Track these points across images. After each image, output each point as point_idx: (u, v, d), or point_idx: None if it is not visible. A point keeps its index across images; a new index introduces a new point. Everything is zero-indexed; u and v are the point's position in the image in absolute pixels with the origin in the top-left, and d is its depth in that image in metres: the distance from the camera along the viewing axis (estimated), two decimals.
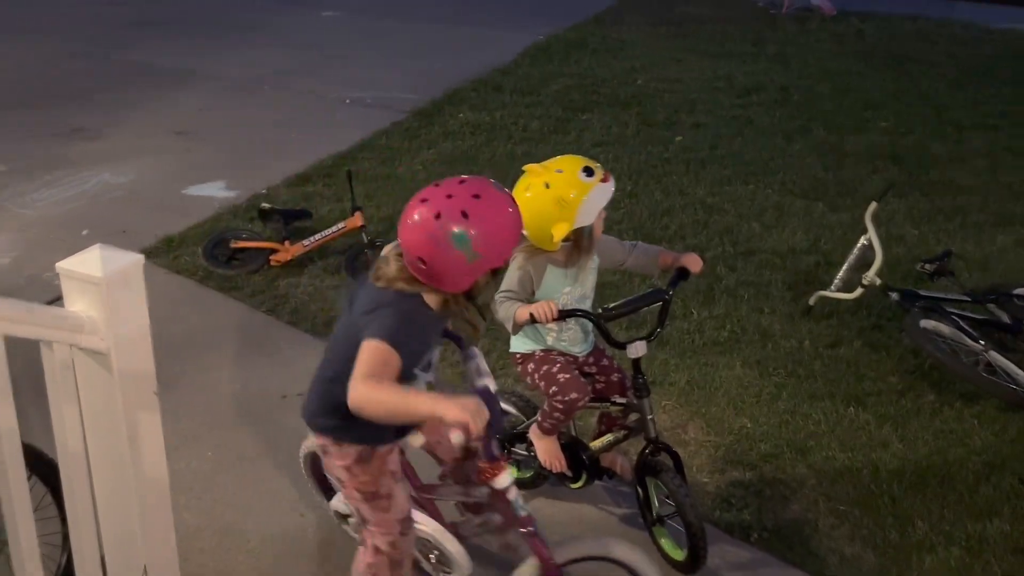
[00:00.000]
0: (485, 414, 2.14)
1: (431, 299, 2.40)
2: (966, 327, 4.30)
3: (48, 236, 5.59)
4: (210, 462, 3.74)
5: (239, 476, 3.66)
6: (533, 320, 2.94)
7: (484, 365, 2.51)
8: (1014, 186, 6.51)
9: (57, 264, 2.26)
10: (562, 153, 3.00)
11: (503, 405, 3.32)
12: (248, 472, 3.67)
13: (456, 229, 2.25)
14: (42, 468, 2.69)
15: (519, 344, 3.24)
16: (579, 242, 2.98)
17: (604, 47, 10.01)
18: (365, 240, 5.33)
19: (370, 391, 2.20)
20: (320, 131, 7.44)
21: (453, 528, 2.86)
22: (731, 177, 6.65)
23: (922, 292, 4.59)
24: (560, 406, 3.09)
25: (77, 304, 2.25)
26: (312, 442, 3.02)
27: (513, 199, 2.36)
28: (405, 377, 2.32)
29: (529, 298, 3.09)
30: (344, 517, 3.14)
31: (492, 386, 2.45)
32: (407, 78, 8.82)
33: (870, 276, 4.60)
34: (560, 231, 2.91)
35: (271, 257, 5.30)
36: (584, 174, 2.90)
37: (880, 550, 3.36)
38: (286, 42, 9.96)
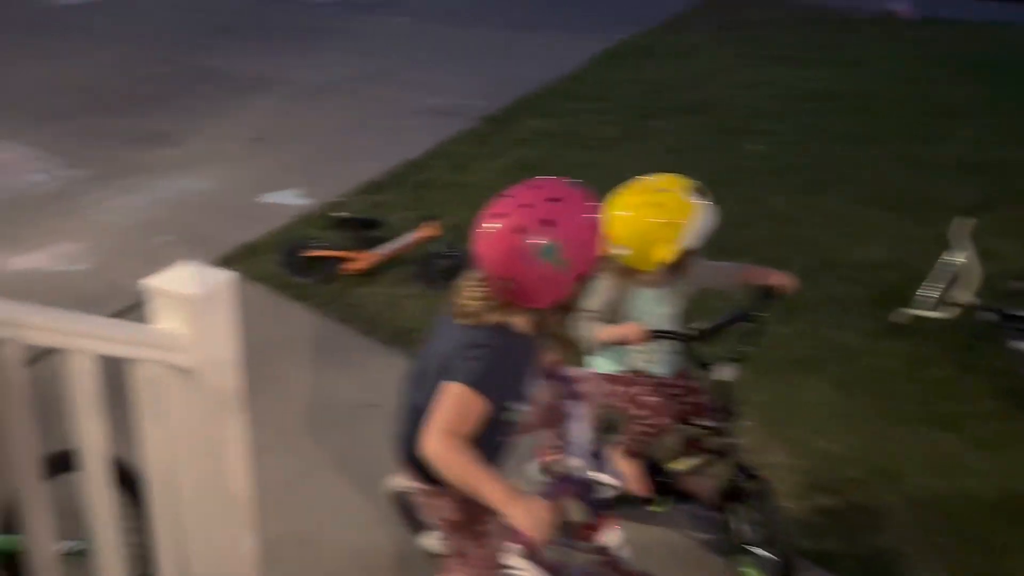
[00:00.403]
0: (554, 522, 2.00)
1: (522, 322, 2.26)
2: None
3: (127, 243, 5.66)
4: (287, 472, 3.73)
5: (317, 487, 3.64)
6: (621, 343, 2.88)
7: (582, 431, 2.41)
8: None
9: (146, 281, 2.25)
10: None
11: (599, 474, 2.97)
12: (326, 484, 3.65)
13: (541, 240, 2.11)
14: (122, 477, 2.69)
15: (604, 364, 3.16)
16: (681, 265, 2.88)
17: (674, 52, 9.89)
18: (441, 249, 5.30)
19: (445, 453, 2.12)
20: (392, 137, 7.45)
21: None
22: (808, 186, 6.49)
23: (1021, 313, 4.41)
24: (647, 429, 3.01)
25: (166, 321, 2.24)
26: (403, 481, 2.93)
27: (591, 196, 2.21)
28: (497, 414, 2.22)
29: (614, 319, 3.02)
30: (434, 557, 3.07)
31: (583, 464, 2.35)
32: (478, 84, 8.81)
33: (966, 295, 4.44)
34: (666, 253, 2.81)
35: (345, 265, 5.30)
36: (696, 194, 2.82)
37: None
38: (359, 48, 10.02)
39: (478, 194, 6.16)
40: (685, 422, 3.16)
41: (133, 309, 4.96)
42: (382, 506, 3.43)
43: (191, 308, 2.18)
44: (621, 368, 3.15)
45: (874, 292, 5.11)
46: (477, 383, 2.14)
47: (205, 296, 2.19)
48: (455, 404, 2.14)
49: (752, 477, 3.07)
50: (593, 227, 2.20)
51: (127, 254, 5.49)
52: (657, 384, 3.14)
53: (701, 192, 2.83)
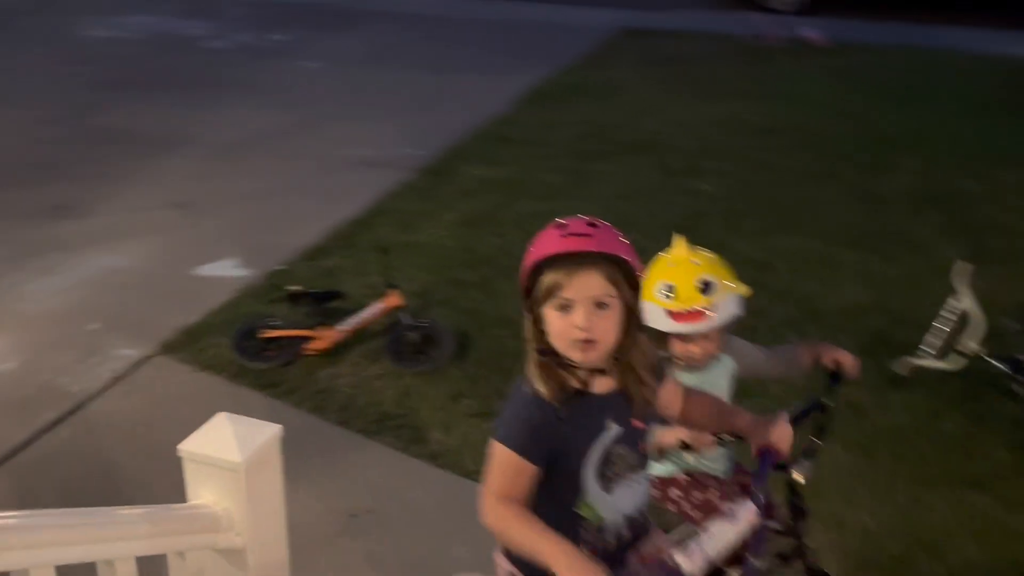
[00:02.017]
0: None
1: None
2: None
3: (53, 334, 5.08)
4: None
5: None
6: (685, 447, 2.58)
7: (721, 537, 2.11)
8: None
9: (180, 446, 1.83)
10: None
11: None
12: None
13: None
14: None
15: (655, 466, 2.85)
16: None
17: (603, 91, 9.70)
18: (408, 321, 4.91)
19: (499, 523, 1.96)
20: (326, 195, 7.00)
21: None
22: (768, 228, 6.34)
23: None
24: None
25: (205, 494, 1.82)
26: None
27: (567, 223, 1.98)
28: (573, 483, 2.00)
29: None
30: None
31: (689, 565, 2.06)
32: (405, 132, 8.41)
33: (971, 345, 4.29)
34: None
35: (306, 346, 4.86)
36: (663, 289, 2.62)
37: None
38: (271, 99, 9.49)
39: (433, 255, 5.93)
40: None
41: (73, 415, 4.43)
42: None
43: (239, 478, 1.77)
44: (676, 469, 2.85)
45: (863, 340, 4.93)
46: (507, 438, 1.97)
47: (255, 461, 1.79)
48: (496, 463, 1.99)
49: None
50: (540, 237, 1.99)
51: (56, 347, 4.92)
52: (717, 484, 2.85)
53: (670, 292, 2.63)
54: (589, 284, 1.90)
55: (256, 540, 1.84)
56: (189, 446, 1.81)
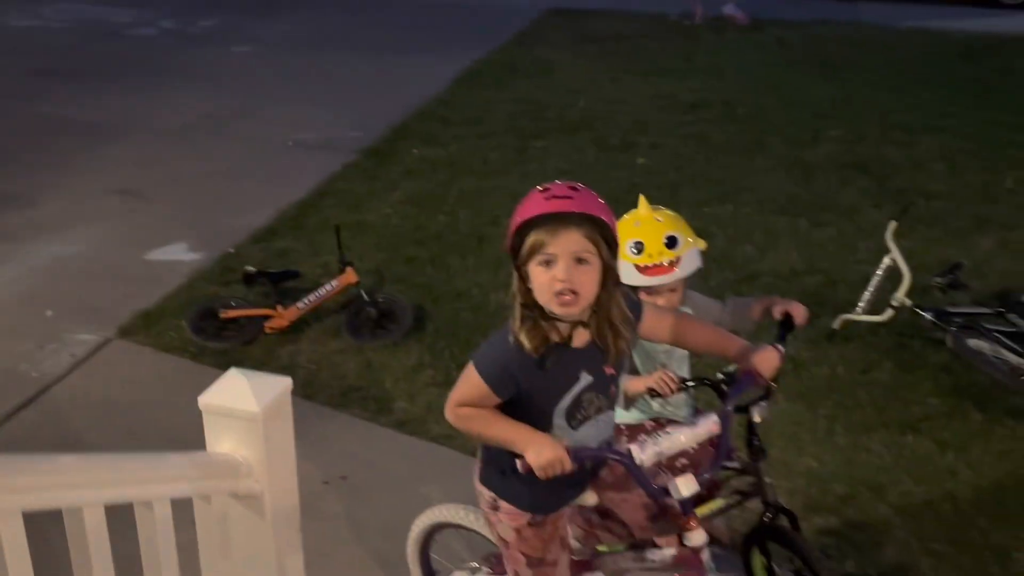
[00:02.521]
0: (561, 468, 2.07)
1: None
2: (1008, 342, 4.31)
3: (10, 322, 5.08)
4: None
5: None
6: (652, 394, 2.78)
7: (673, 444, 2.31)
8: (979, 187, 6.65)
9: (200, 399, 1.95)
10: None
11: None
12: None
13: None
14: None
15: (623, 414, 3.04)
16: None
17: (536, 70, 9.88)
18: (365, 297, 5.03)
19: (461, 422, 2.22)
20: (272, 178, 7.06)
21: None
22: (707, 199, 6.59)
23: (951, 309, 4.59)
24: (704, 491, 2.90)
25: (224, 443, 1.95)
26: (434, 515, 2.90)
27: (549, 187, 2.11)
28: (541, 420, 2.19)
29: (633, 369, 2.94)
30: None
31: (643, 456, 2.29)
32: (345, 115, 8.48)
33: (899, 297, 4.58)
34: None
35: (266, 324, 4.95)
36: (632, 246, 2.82)
37: None
38: (207, 85, 9.46)
39: (381, 234, 6.05)
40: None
41: (37, 399, 4.46)
42: None
43: (258, 427, 1.91)
44: (643, 416, 3.04)
45: (801, 299, 5.16)
46: (476, 362, 2.18)
47: (270, 411, 1.93)
48: (463, 379, 2.20)
49: (783, 512, 3.02)
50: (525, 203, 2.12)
51: (13, 335, 4.93)
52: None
53: (640, 249, 2.83)
54: (570, 241, 2.04)
55: (273, 486, 1.97)
56: (208, 399, 1.93)
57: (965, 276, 4.95)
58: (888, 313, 4.63)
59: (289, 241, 6.03)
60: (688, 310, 3.05)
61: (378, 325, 4.99)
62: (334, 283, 5.11)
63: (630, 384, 2.82)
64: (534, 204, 2.09)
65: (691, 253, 2.86)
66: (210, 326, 4.92)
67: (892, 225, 4.72)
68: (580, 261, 2.06)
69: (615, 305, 2.17)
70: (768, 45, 10.67)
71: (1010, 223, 6.06)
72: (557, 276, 2.05)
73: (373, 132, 7.96)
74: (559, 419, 2.22)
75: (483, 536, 2.87)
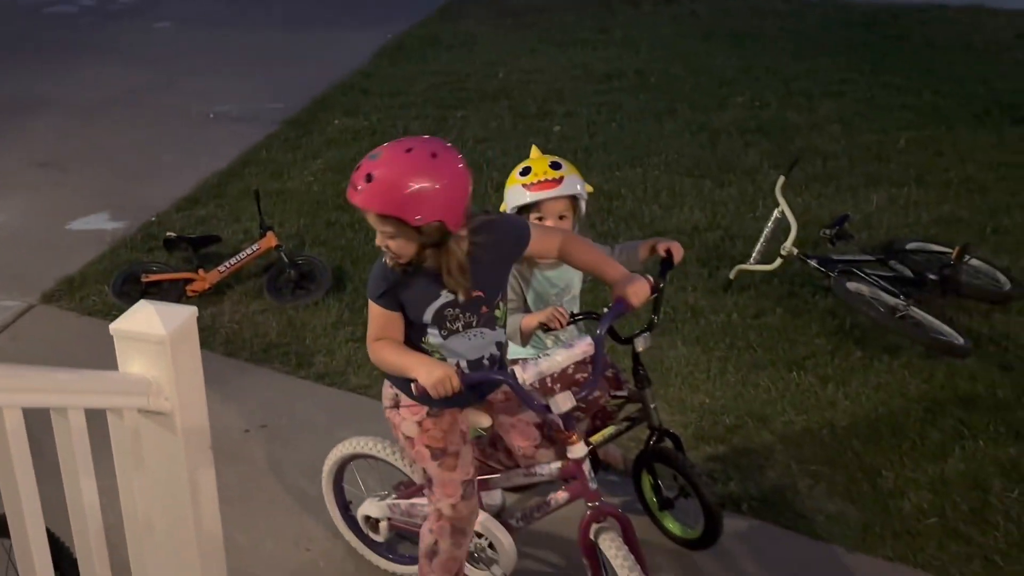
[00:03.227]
0: (450, 386, 2.37)
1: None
2: (885, 285, 4.66)
3: None
4: None
5: (231, 521, 3.49)
6: (545, 328, 3.03)
7: (552, 366, 2.57)
8: (872, 148, 7.03)
9: (111, 326, 2.14)
10: None
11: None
12: (239, 515, 3.54)
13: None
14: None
15: (519, 350, 3.28)
16: None
17: (457, 42, 10.06)
18: (285, 259, 5.20)
19: (374, 356, 2.57)
20: (193, 150, 7.16)
21: (502, 520, 2.95)
22: (618, 163, 6.87)
23: (835, 257, 4.93)
24: (583, 405, 3.16)
25: (135, 365, 2.15)
26: (345, 447, 3.17)
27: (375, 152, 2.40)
28: (418, 327, 2.55)
29: (523, 304, 3.19)
30: (375, 523, 3.14)
31: (525, 375, 2.54)
32: (266, 87, 8.59)
33: (787, 247, 4.90)
34: (503, 206, 3.19)
35: (188, 288, 5.10)
36: (520, 171, 3.13)
37: (859, 503, 3.61)
38: (127, 59, 9.46)
39: (302, 200, 6.21)
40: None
41: None
42: (307, 527, 3.42)
43: (165, 350, 2.11)
44: (538, 352, 3.28)
45: (701, 254, 5.53)
46: (369, 292, 2.55)
47: (177, 335, 2.13)
48: (370, 314, 2.57)
49: (668, 436, 3.31)
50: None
51: None
52: (580, 363, 3.29)
53: (527, 171, 3.11)
54: (376, 223, 2.40)
55: (182, 405, 2.17)
56: (119, 325, 2.12)
57: (853, 228, 5.31)
58: (777, 262, 4.95)
59: (211, 209, 6.16)
60: None
61: (298, 286, 5.17)
62: (255, 246, 5.27)
63: (525, 321, 3.07)
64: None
65: (575, 179, 3.12)
66: (133, 290, 5.05)
67: (781, 179, 5.04)
68: (390, 237, 2.39)
69: (456, 246, 2.42)
70: (682, 17, 10.99)
71: (899, 181, 6.44)
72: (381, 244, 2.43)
73: (295, 104, 8.09)
74: (432, 329, 2.56)
75: (391, 465, 3.11)
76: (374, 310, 2.54)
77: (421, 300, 2.52)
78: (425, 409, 2.69)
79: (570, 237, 2.78)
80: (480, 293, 2.55)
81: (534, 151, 3.27)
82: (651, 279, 2.73)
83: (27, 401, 1.78)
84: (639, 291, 2.63)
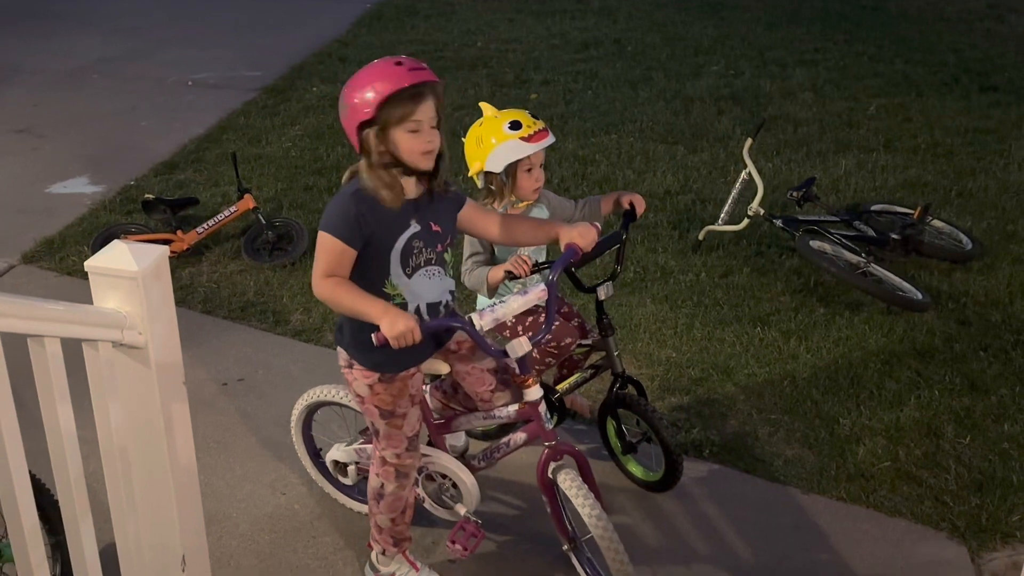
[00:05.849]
0: (412, 339, 2.40)
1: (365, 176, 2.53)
2: (848, 243, 4.78)
3: None
4: None
5: (209, 467, 3.63)
6: (511, 277, 3.12)
7: (508, 312, 2.67)
8: (842, 115, 7.15)
9: (87, 263, 2.23)
10: None
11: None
12: (217, 462, 3.65)
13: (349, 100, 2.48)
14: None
15: (487, 301, 3.38)
16: (492, 186, 3.20)
17: (436, 11, 10.11)
18: (263, 221, 5.28)
19: (326, 292, 2.51)
20: (171, 116, 7.20)
21: (465, 461, 3.05)
22: (593, 129, 6.96)
23: (801, 217, 5.05)
24: (554, 351, 3.27)
25: (109, 301, 2.24)
26: (311, 395, 3.26)
27: (401, 60, 2.45)
28: (381, 265, 2.56)
29: (491, 257, 3.27)
30: (343, 467, 3.24)
31: (482, 322, 2.64)
32: (245, 55, 8.62)
33: (754, 207, 5.01)
34: (473, 168, 3.19)
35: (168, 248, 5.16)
36: (508, 127, 3.10)
37: (816, 449, 3.75)
38: (102, 28, 9.47)
39: (280, 165, 6.29)
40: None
41: None
42: (283, 473, 3.53)
43: (138, 286, 2.19)
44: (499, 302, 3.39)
45: (672, 217, 5.64)
46: (325, 224, 2.51)
47: (149, 272, 2.21)
48: (321, 247, 2.52)
49: (631, 383, 3.42)
50: (373, 75, 2.44)
51: None
52: (536, 313, 3.40)
53: (518, 125, 3.11)
54: (428, 109, 2.44)
55: (154, 340, 2.26)
56: (94, 262, 2.20)
57: (821, 191, 5.43)
58: (744, 222, 5.07)
59: (189, 174, 6.23)
60: (544, 207, 3.39)
61: (276, 247, 5.25)
62: (233, 208, 5.35)
63: (491, 272, 3.15)
64: (398, 76, 2.41)
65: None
66: None
67: (748, 142, 5.15)
68: (434, 127, 2.46)
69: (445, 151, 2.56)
70: None
71: (868, 146, 6.57)
72: (425, 139, 2.44)
73: (273, 71, 8.14)
74: (395, 267, 2.58)
75: (357, 411, 3.21)
76: (329, 243, 2.49)
77: (395, 228, 2.55)
78: (376, 375, 2.72)
79: (506, 218, 2.85)
80: (438, 228, 2.64)
81: (487, 108, 3.27)
82: (597, 225, 2.82)
83: (6, 326, 1.87)
84: (585, 234, 2.71)
